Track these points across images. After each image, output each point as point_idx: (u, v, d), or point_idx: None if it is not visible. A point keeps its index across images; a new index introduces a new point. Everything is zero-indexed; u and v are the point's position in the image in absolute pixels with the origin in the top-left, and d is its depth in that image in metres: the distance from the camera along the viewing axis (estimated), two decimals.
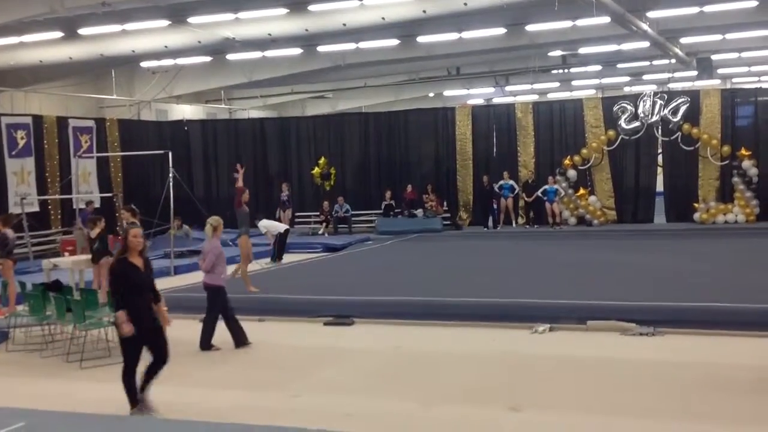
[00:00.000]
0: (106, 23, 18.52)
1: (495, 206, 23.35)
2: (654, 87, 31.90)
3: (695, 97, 22.28)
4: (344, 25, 19.61)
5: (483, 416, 7.14)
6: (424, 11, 18.69)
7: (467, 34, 21.52)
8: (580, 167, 22.92)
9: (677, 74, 31.34)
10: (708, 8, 19.77)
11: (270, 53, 23.27)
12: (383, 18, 19.17)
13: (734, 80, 35.27)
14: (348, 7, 18.48)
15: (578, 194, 22.83)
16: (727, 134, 21.90)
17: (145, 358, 7.29)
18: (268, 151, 26.37)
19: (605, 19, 19.07)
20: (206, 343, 10.01)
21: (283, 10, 18.38)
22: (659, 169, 23.20)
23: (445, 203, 24.08)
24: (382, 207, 24.19)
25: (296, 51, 23.18)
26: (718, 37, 24.48)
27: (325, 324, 11.41)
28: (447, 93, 35.96)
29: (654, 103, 22.12)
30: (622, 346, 9.55)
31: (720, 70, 31.61)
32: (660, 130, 22.39)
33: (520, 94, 36.20)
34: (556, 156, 23.39)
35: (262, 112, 33.79)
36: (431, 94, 36.37)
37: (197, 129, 26.97)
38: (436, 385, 8.21)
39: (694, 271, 13.80)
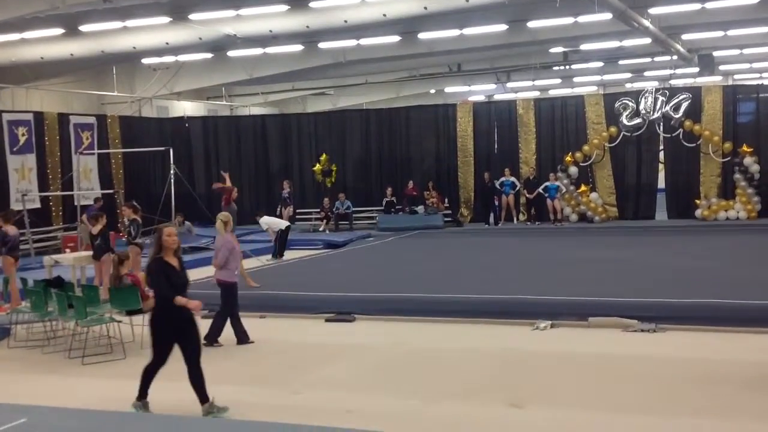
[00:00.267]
0: (107, 20, 18.55)
1: (496, 203, 23.35)
2: (656, 83, 31.81)
3: (697, 93, 22.25)
4: (345, 21, 19.61)
5: (484, 413, 7.14)
6: (425, 8, 18.68)
7: (468, 31, 21.49)
8: (581, 164, 22.89)
9: (679, 71, 31.32)
10: (709, 5, 19.74)
11: (271, 50, 23.25)
12: (384, 14, 19.16)
13: (736, 77, 35.19)
14: (349, 3, 18.48)
15: (579, 191, 22.80)
16: (729, 131, 21.88)
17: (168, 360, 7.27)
18: (269, 148, 26.37)
19: (607, 16, 19.06)
20: (213, 338, 9.99)
21: (284, 7, 18.39)
22: (661, 166, 23.16)
23: (446, 200, 24.06)
24: (383, 204, 24.18)
25: (297, 48, 23.16)
26: (719, 33, 24.45)
27: (327, 320, 11.43)
28: (448, 90, 35.94)
29: (656, 100, 22.08)
30: (623, 342, 9.55)
31: (722, 67, 31.59)
32: (661, 127, 22.36)
33: (522, 90, 36.15)
34: (557, 153, 23.36)
35: (263, 108, 33.77)
36: (432, 91, 36.34)
37: (198, 126, 26.96)
38: (437, 381, 8.21)
39: (696, 268, 13.79)
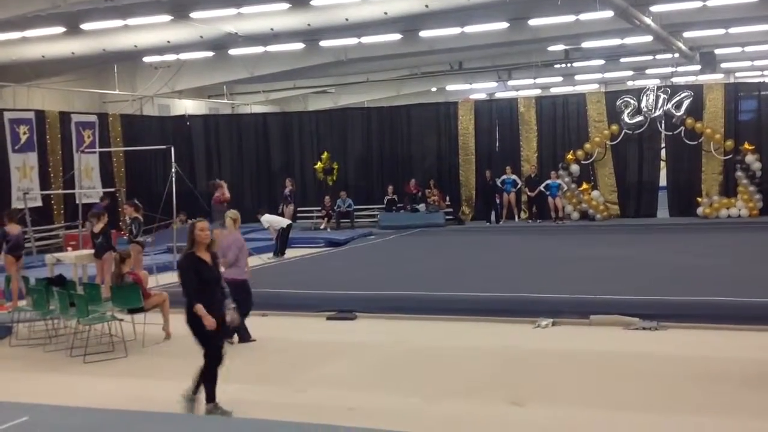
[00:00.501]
0: (109, 18, 18.55)
1: (498, 201, 23.34)
2: (657, 81, 31.81)
3: (698, 91, 22.22)
4: (346, 19, 19.61)
5: (485, 411, 7.14)
6: (427, 6, 18.69)
7: (470, 29, 21.48)
8: (582, 162, 22.87)
9: (680, 68, 31.30)
10: (711, 2, 19.70)
11: (272, 48, 23.25)
12: (385, 13, 19.17)
13: (737, 74, 35.15)
14: (350, 1, 18.48)
15: (581, 189, 22.79)
16: (731, 128, 21.86)
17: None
18: (271, 146, 26.38)
19: (608, 14, 19.05)
20: (245, 337, 9.98)
21: (285, 5, 18.37)
22: (662, 164, 23.14)
23: (447, 198, 24.07)
24: (385, 202, 24.18)
25: (298, 46, 23.16)
26: (721, 31, 24.41)
27: (328, 318, 11.43)
28: (449, 88, 35.91)
29: (657, 98, 22.06)
30: (625, 340, 9.55)
31: (723, 65, 31.55)
32: (663, 125, 22.34)
33: (523, 88, 36.12)
34: (558, 151, 23.36)
35: (264, 107, 33.77)
36: (434, 89, 36.33)
37: (199, 124, 26.97)
38: (438, 379, 8.21)
39: (697, 266, 13.79)
